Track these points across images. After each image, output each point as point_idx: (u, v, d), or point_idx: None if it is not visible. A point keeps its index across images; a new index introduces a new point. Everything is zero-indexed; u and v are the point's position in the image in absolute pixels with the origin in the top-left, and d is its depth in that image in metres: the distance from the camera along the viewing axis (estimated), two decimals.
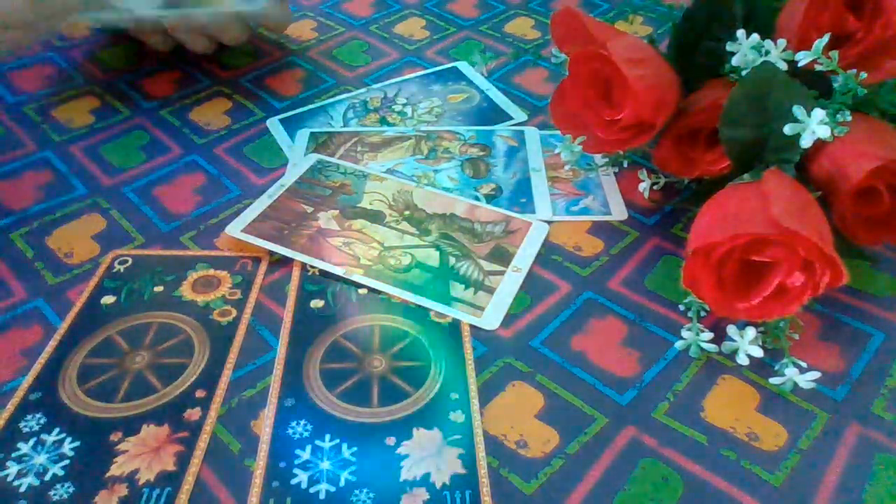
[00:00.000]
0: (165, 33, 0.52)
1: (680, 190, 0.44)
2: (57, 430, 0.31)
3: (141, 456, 0.30)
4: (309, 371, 0.34)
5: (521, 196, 0.44)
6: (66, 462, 0.30)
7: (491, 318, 0.37)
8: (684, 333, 0.35)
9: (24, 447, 0.31)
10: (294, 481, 0.30)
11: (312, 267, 0.39)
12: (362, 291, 0.38)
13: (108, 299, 0.37)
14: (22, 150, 0.48)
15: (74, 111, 0.52)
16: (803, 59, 0.35)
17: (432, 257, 0.40)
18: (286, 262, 0.40)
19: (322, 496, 0.29)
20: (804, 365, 0.33)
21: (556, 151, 0.41)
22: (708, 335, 0.35)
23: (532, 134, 0.49)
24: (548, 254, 0.41)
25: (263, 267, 0.40)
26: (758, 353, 0.34)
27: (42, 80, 0.55)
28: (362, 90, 0.54)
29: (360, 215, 0.42)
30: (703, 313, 0.36)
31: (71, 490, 0.29)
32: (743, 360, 0.34)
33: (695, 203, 0.36)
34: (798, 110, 0.33)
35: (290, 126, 0.50)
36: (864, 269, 0.39)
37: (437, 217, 0.42)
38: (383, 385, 0.33)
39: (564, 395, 0.33)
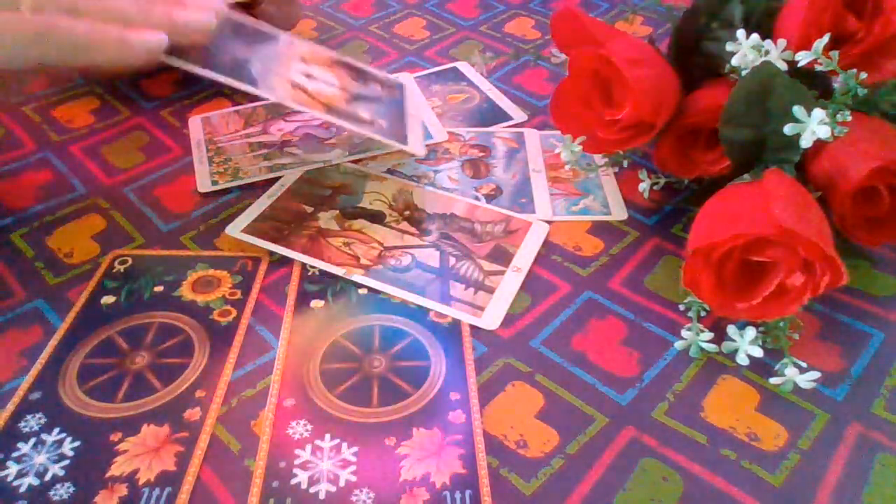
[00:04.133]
0: None
1: (680, 190, 0.44)
2: (57, 430, 0.31)
3: (141, 456, 0.30)
4: (309, 371, 0.34)
5: (521, 196, 0.44)
6: (66, 462, 0.30)
7: (491, 318, 0.37)
8: (684, 333, 0.35)
9: (24, 447, 0.31)
10: (294, 481, 0.30)
11: (312, 267, 0.39)
12: (362, 291, 0.38)
13: (108, 299, 0.37)
14: (22, 150, 0.48)
15: (74, 111, 0.52)
16: (803, 59, 0.35)
17: (432, 257, 0.40)
18: (286, 262, 0.40)
19: (322, 496, 0.29)
20: (804, 365, 0.33)
21: (556, 151, 0.41)
22: (708, 335, 0.35)
23: (532, 134, 0.49)
24: (548, 254, 0.41)
25: (263, 267, 0.40)
26: (758, 353, 0.34)
27: (42, 80, 0.55)
28: None
29: (360, 215, 0.42)
30: (703, 313, 0.36)
31: (71, 490, 0.29)
32: (743, 360, 0.34)
33: (695, 203, 0.36)
34: (798, 110, 0.33)
35: None
36: (864, 269, 0.39)
37: (437, 217, 0.42)
38: (383, 385, 0.33)
39: (564, 395, 0.33)
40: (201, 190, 0.44)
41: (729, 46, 0.37)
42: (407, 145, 0.39)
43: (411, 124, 0.42)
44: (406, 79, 0.54)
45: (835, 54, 0.34)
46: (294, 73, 0.42)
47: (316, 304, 0.37)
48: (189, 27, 0.38)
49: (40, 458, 0.30)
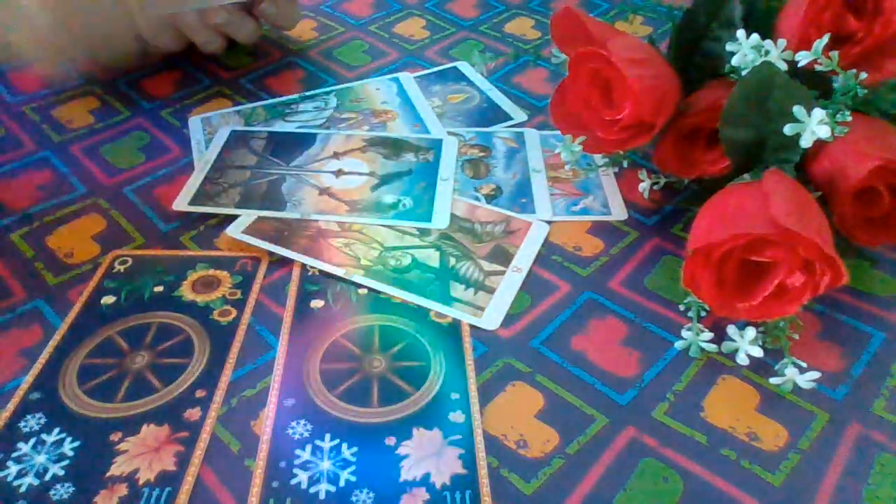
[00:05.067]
0: (176, 32, 0.53)
1: (680, 190, 0.44)
2: (57, 430, 0.31)
3: (141, 456, 0.30)
4: (309, 371, 0.34)
5: (521, 196, 0.44)
6: (66, 462, 0.30)
7: (491, 318, 0.37)
8: (684, 333, 0.35)
9: (24, 447, 0.31)
10: (294, 481, 0.30)
11: (312, 267, 0.39)
12: (362, 291, 0.38)
13: (108, 299, 0.37)
14: (22, 150, 0.48)
15: (74, 111, 0.52)
16: (803, 59, 0.35)
17: (432, 257, 0.40)
18: (286, 262, 0.40)
19: (322, 496, 0.29)
20: (804, 365, 0.33)
21: (556, 151, 0.41)
22: (708, 335, 0.35)
23: (532, 134, 0.49)
24: (548, 254, 0.41)
25: (263, 267, 0.40)
26: (758, 353, 0.34)
27: (42, 80, 0.55)
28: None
29: None
30: (703, 313, 0.36)
31: (71, 490, 0.29)
32: (743, 360, 0.34)
33: (695, 203, 0.36)
34: (798, 110, 0.33)
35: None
36: (864, 269, 0.39)
37: None
38: (383, 385, 0.33)
39: (564, 395, 0.33)
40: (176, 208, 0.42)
41: (729, 46, 0.37)
42: (430, 223, 0.41)
43: (441, 193, 0.43)
44: (406, 79, 0.54)
45: (835, 54, 0.34)
46: (325, 174, 0.44)
47: (316, 304, 0.37)
48: None
49: (40, 458, 0.30)
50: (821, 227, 0.32)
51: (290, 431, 0.31)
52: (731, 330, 0.34)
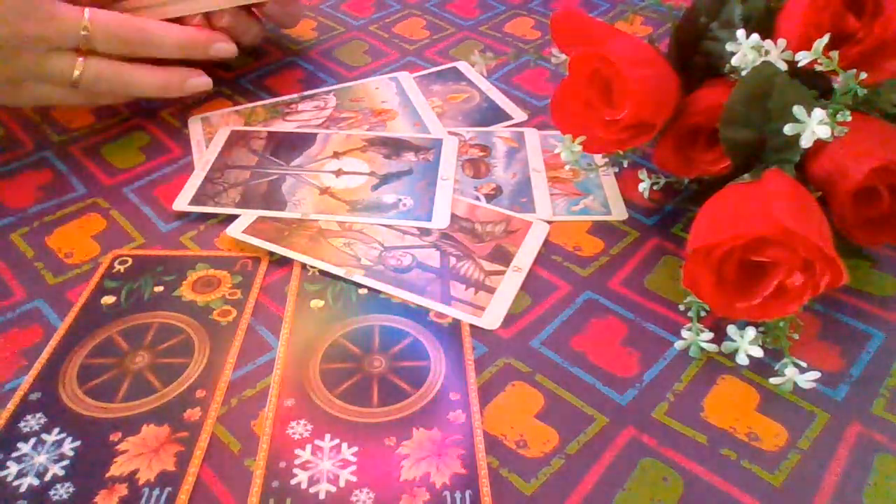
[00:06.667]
0: None
1: (680, 190, 0.44)
2: (57, 430, 0.31)
3: (141, 456, 0.30)
4: (309, 371, 0.34)
5: (522, 196, 0.44)
6: (66, 462, 0.30)
7: (491, 318, 0.37)
8: (684, 333, 0.35)
9: (24, 447, 0.31)
10: (294, 481, 0.30)
11: (312, 267, 0.39)
12: (362, 291, 0.38)
13: (108, 299, 0.37)
14: (22, 150, 0.48)
15: (74, 111, 0.52)
16: (803, 59, 0.35)
17: (432, 257, 0.40)
18: (286, 262, 0.40)
19: (322, 496, 0.29)
20: (804, 365, 0.33)
21: (556, 151, 0.41)
22: (708, 335, 0.35)
23: (532, 134, 0.49)
24: (548, 254, 0.41)
25: (263, 267, 0.40)
26: (758, 353, 0.34)
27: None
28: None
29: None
30: (703, 313, 0.36)
31: (71, 490, 0.29)
32: (743, 360, 0.34)
33: (695, 203, 0.36)
34: (798, 110, 0.33)
35: None
36: (864, 269, 0.39)
37: None
38: (383, 385, 0.33)
39: (564, 395, 0.33)
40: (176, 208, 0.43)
41: (729, 46, 0.37)
42: (430, 222, 0.41)
43: (440, 192, 0.43)
44: (405, 78, 0.54)
45: (835, 54, 0.34)
46: (324, 174, 0.45)
47: (316, 304, 0.37)
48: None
49: (40, 458, 0.30)
50: (821, 227, 0.32)
51: (290, 431, 0.31)
52: (731, 330, 0.34)
